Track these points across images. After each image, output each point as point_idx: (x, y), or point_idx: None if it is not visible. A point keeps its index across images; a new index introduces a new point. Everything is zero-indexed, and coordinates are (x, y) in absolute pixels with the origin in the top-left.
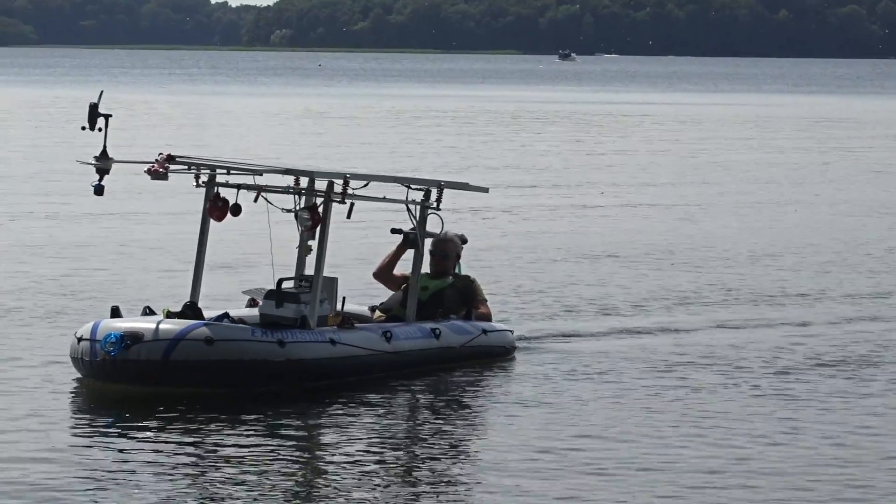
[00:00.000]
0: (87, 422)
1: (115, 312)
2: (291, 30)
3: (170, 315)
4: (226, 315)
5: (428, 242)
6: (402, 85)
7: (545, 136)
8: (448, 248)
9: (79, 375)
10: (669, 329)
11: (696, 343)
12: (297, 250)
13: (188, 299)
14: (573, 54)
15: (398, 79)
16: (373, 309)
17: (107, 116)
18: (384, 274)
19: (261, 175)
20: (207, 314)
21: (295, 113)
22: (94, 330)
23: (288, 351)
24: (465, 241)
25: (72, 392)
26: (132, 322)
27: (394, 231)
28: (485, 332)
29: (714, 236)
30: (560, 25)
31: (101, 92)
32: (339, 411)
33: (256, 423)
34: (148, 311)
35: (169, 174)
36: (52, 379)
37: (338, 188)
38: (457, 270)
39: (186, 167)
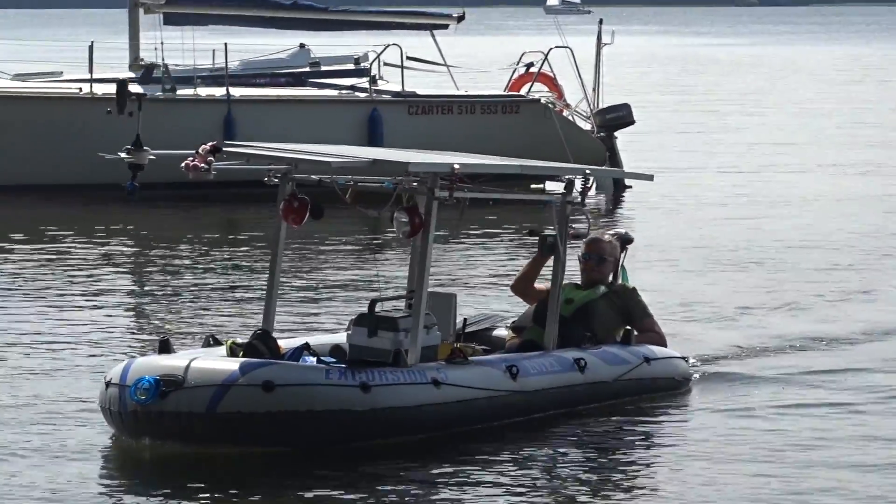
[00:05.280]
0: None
1: (165, 347)
2: None
3: (234, 348)
4: (306, 347)
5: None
6: None
7: None
8: (604, 250)
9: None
10: None
11: None
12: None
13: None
14: None
15: None
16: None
17: (140, 97)
18: (522, 286)
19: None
20: (286, 345)
21: None
22: (124, 373)
23: (374, 398)
24: (629, 240)
25: (102, 451)
26: (172, 361)
27: (530, 233)
28: (647, 360)
29: None
30: None
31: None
32: (447, 470)
33: (333, 490)
34: (212, 342)
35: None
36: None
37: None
38: (622, 280)
39: (240, 160)
